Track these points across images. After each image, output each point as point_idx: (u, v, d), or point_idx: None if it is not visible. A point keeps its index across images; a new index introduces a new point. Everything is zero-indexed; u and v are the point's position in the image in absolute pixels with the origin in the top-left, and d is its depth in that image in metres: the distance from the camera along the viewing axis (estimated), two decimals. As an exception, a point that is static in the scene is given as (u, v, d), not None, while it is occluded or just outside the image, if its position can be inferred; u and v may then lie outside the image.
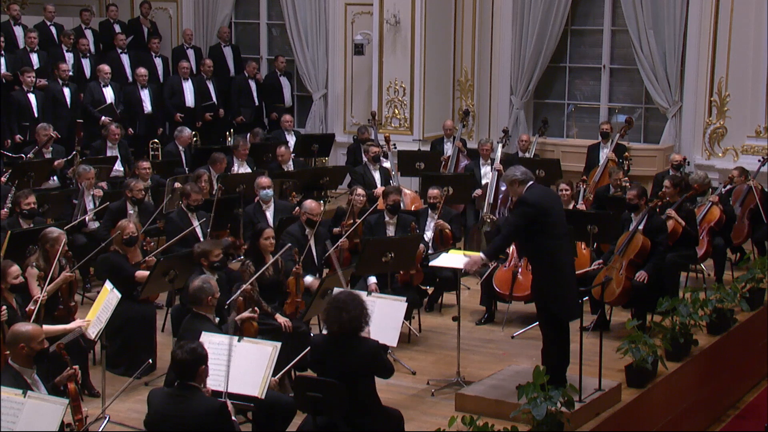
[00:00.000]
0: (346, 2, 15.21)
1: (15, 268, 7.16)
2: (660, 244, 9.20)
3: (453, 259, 8.26)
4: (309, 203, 9.27)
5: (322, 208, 9.48)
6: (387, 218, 9.64)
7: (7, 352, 5.86)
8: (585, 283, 8.74)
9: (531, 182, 7.31)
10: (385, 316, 7.09)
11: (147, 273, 8.13)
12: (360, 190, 10.39)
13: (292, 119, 14.29)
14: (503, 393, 7.34)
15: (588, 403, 7.19)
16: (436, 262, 8.28)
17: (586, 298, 8.87)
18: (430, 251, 9.65)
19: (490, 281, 9.51)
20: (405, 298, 7.61)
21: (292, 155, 12.69)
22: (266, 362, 6.21)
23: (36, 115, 12.37)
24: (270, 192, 10.36)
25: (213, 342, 6.27)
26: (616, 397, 7.57)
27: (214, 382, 5.99)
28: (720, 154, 13.44)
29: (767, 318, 9.99)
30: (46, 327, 7.02)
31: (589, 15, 14.51)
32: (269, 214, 10.13)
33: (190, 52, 15.17)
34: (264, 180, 10.43)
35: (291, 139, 13.59)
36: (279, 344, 6.39)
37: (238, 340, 6.31)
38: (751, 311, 9.63)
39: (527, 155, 12.85)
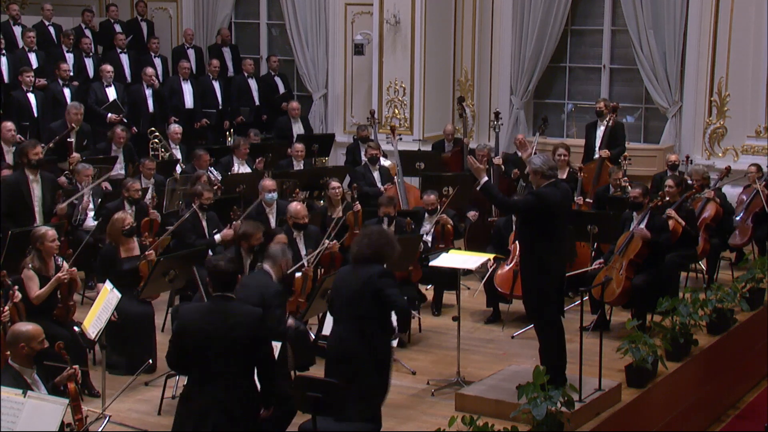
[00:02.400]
0: (346, 2, 15.20)
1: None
2: (662, 244, 9.21)
3: (453, 259, 8.28)
4: (293, 207, 9.20)
5: (306, 210, 9.38)
6: (385, 225, 9.59)
7: (8, 352, 5.86)
8: (585, 283, 8.76)
9: (553, 180, 7.32)
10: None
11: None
12: (334, 183, 10.37)
13: (299, 106, 14.21)
14: (503, 393, 7.34)
15: (588, 403, 7.19)
16: (436, 262, 8.29)
17: (587, 297, 8.87)
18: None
19: (491, 281, 9.52)
20: (404, 298, 7.60)
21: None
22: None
23: (36, 115, 12.36)
24: (275, 195, 10.22)
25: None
26: (616, 397, 7.58)
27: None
28: (720, 154, 13.43)
29: (767, 318, 10.00)
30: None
31: (589, 15, 14.51)
32: (272, 218, 10.05)
33: (191, 52, 15.17)
34: (269, 183, 10.27)
35: (297, 127, 13.51)
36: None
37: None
38: (751, 311, 9.64)
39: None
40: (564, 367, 7.36)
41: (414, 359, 8.64)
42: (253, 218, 9.98)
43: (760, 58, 12.98)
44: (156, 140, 12.43)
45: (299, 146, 12.42)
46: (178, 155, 12.30)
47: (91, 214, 10.18)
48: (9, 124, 11.09)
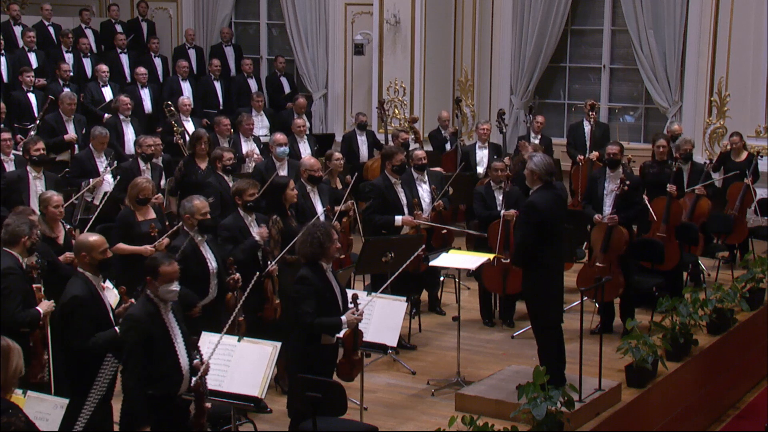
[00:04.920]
0: (346, 2, 15.21)
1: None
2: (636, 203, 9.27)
3: (453, 259, 8.28)
4: (308, 160, 9.09)
5: (320, 163, 9.27)
6: (393, 179, 9.51)
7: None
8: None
9: (545, 182, 7.36)
10: (385, 316, 7.09)
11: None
12: (337, 155, 10.37)
13: (306, 102, 14.11)
14: (503, 393, 7.35)
15: (588, 403, 7.19)
16: (436, 262, 8.29)
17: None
18: (425, 213, 9.52)
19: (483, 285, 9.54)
20: (405, 298, 7.59)
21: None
22: (266, 362, 6.20)
23: (36, 114, 12.35)
24: (286, 149, 10.24)
25: (213, 342, 6.26)
26: (616, 397, 7.58)
27: (213, 381, 5.99)
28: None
29: (767, 318, 10.00)
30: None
31: (589, 15, 14.52)
32: (283, 173, 9.94)
33: (192, 52, 15.18)
34: (280, 137, 10.32)
35: (306, 123, 13.41)
36: (279, 344, 6.39)
37: (238, 340, 6.30)
38: (751, 311, 9.64)
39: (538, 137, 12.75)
40: (563, 369, 7.37)
41: (414, 359, 8.64)
42: (262, 173, 9.93)
43: (760, 58, 12.98)
44: (169, 113, 12.44)
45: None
46: (191, 127, 12.25)
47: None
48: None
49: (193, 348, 5.91)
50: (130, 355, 5.66)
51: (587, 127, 12.55)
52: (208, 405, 5.78)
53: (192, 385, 5.75)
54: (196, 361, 5.82)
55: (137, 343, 5.66)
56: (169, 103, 12.69)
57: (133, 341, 5.67)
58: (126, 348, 5.69)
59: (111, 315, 6.23)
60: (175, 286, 5.86)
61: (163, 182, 10.52)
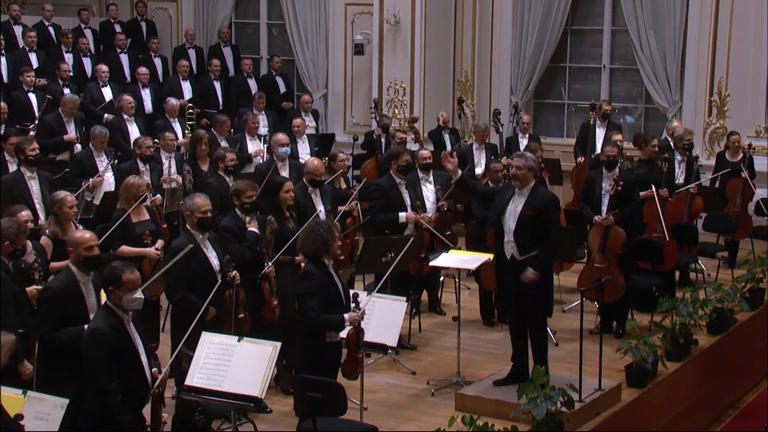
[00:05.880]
0: (346, 2, 15.21)
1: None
2: (633, 201, 9.26)
3: (453, 259, 8.28)
4: (312, 163, 8.99)
5: (324, 167, 9.22)
6: (398, 180, 9.51)
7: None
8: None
9: (536, 179, 7.47)
10: (385, 316, 7.09)
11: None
12: (342, 155, 10.37)
13: (310, 99, 14.10)
14: (503, 393, 7.35)
15: (588, 403, 7.20)
16: (436, 262, 8.29)
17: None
18: (429, 213, 9.53)
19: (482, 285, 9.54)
20: (405, 298, 7.60)
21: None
22: (266, 362, 6.20)
23: (36, 115, 12.36)
24: (288, 150, 10.25)
25: (213, 342, 6.27)
26: (616, 397, 7.58)
27: (213, 381, 5.99)
28: (720, 154, 13.44)
29: (767, 318, 10.00)
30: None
31: (589, 15, 14.52)
32: (285, 174, 9.93)
33: (192, 52, 15.18)
34: (281, 137, 10.34)
35: (307, 119, 13.37)
36: (279, 344, 6.39)
37: (238, 340, 6.31)
38: (751, 311, 9.64)
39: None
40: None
41: (414, 359, 8.64)
42: (263, 174, 9.91)
43: (760, 58, 12.98)
44: (188, 115, 12.53)
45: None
46: (178, 129, 12.30)
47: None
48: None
49: (151, 355, 5.77)
50: (106, 371, 5.46)
51: (599, 129, 12.48)
52: (164, 416, 5.68)
53: (150, 393, 5.61)
54: (154, 369, 5.73)
55: (107, 357, 5.47)
56: (191, 105, 12.73)
57: (103, 356, 5.47)
58: (96, 364, 5.47)
59: (89, 313, 6.07)
60: (139, 294, 5.66)
61: (176, 175, 10.52)
